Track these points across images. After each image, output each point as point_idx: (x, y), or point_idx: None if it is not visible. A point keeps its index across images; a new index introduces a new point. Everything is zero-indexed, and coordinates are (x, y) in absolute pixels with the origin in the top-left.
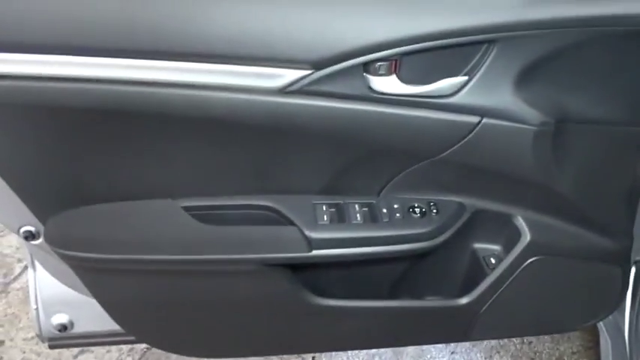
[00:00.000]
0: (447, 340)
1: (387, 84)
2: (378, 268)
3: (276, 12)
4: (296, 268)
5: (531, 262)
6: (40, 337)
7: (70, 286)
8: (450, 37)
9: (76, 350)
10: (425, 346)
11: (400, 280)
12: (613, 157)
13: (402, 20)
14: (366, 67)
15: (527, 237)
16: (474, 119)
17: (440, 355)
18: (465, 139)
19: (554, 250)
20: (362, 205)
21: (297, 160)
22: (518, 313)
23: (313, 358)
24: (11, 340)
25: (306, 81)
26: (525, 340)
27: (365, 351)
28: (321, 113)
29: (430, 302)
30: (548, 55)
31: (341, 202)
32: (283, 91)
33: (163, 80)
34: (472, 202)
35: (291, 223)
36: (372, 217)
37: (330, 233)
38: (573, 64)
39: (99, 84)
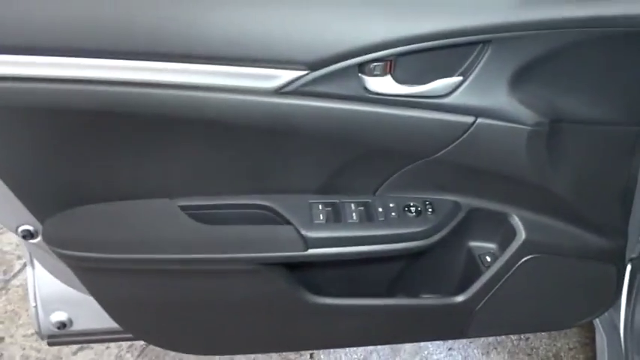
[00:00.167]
0: (443, 337)
1: (382, 84)
2: (374, 266)
3: (272, 13)
4: (293, 266)
5: (526, 261)
6: (39, 334)
7: (68, 284)
8: (444, 38)
9: (75, 347)
10: (422, 343)
11: (396, 279)
12: (607, 156)
13: (397, 21)
14: (362, 67)
15: (522, 235)
16: (469, 119)
17: (437, 352)
18: (460, 139)
19: (549, 248)
20: (358, 205)
21: (294, 160)
22: (514, 311)
23: (311, 355)
24: (11, 336)
25: (301, 82)
26: (522, 337)
27: (363, 347)
28: (317, 113)
29: (426, 300)
30: (542, 56)
31: (337, 201)
32: (279, 91)
33: (160, 81)
34: (467, 201)
35: (288, 223)
36: (368, 216)
37: (326, 232)
38: (567, 64)
39: (96, 85)
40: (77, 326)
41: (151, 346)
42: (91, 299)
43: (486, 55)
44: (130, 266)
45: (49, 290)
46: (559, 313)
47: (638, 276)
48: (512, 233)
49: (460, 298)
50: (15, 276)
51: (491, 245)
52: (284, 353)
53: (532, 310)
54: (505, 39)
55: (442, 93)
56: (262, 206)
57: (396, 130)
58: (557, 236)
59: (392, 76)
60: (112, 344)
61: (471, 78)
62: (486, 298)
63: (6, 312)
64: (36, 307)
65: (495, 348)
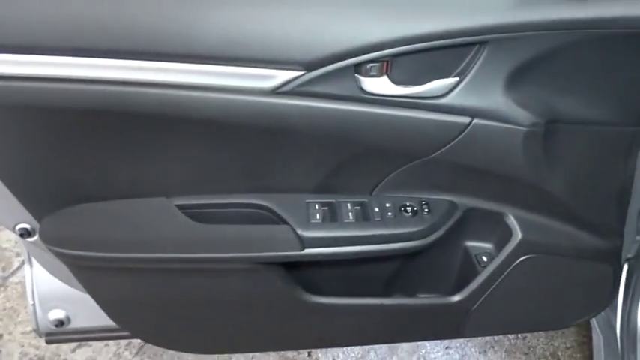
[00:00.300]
0: (440, 337)
1: (379, 85)
2: (371, 265)
3: (268, 14)
4: (290, 265)
5: (523, 261)
6: (38, 332)
7: (66, 282)
8: (441, 39)
9: (74, 344)
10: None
11: (393, 278)
12: (603, 157)
13: (393, 22)
14: (358, 68)
15: (518, 235)
16: (465, 120)
17: (434, 350)
18: (456, 140)
19: (546, 248)
20: (354, 204)
21: (290, 160)
22: (510, 311)
23: (309, 353)
24: (10, 333)
25: (297, 82)
26: (519, 336)
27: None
28: (313, 114)
29: (423, 300)
30: (538, 57)
31: (333, 200)
32: (275, 91)
33: (156, 81)
34: (464, 201)
35: (284, 222)
36: (364, 216)
37: (322, 232)
38: (563, 65)
39: (94, 84)
40: (75, 324)
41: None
42: (88, 297)
43: (483, 56)
44: (127, 265)
45: (47, 288)
46: (555, 312)
47: (635, 276)
48: (508, 233)
49: (456, 298)
50: (14, 273)
51: (488, 245)
52: (282, 352)
53: (528, 310)
54: (501, 40)
55: (438, 94)
56: (259, 205)
57: (393, 130)
58: (553, 236)
59: (388, 77)
60: (111, 342)
61: (467, 79)
62: (483, 298)
63: (5, 309)
64: (34, 304)
65: (492, 347)
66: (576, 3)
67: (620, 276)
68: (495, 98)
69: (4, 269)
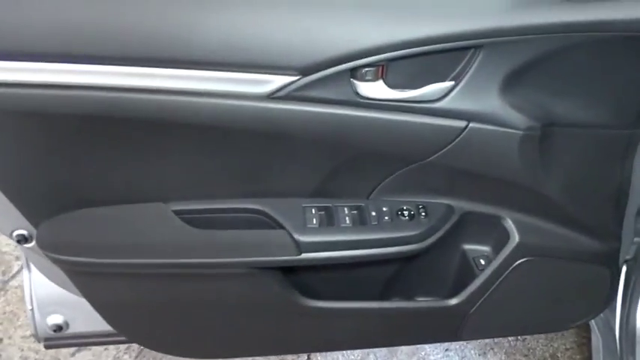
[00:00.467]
0: (438, 340)
1: (374, 89)
2: (369, 269)
3: (264, 19)
4: (287, 270)
5: (520, 264)
6: (36, 337)
7: (64, 288)
8: (436, 43)
9: (73, 348)
10: None
11: (391, 281)
12: (599, 159)
13: (388, 26)
14: (353, 72)
15: (515, 239)
16: (461, 124)
17: (434, 352)
18: (453, 144)
19: (543, 251)
20: (351, 208)
21: (287, 164)
22: (508, 314)
23: (308, 357)
24: (9, 337)
25: (293, 87)
26: (519, 337)
27: None
28: (309, 118)
29: (420, 303)
30: (533, 60)
31: (330, 205)
32: (271, 96)
33: (153, 87)
34: (461, 205)
35: (281, 227)
36: (361, 220)
37: (319, 236)
38: (559, 68)
39: (90, 91)
40: (73, 329)
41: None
42: (87, 302)
43: (478, 60)
44: (124, 270)
45: (45, 293)
46: (553, 315)
47: (634, 277)
48: (505, 236)
49: (454, 301)
50: (13, 277)
51: (485, 248)
52: (281, 356)
53: (526, 313)
54: (497, 44)
55: (434, 98)
56: (256, 210)
57: (389, 134)
58: (550, 239)
59: (384, 81)
60: (110, 346)
61: (462, 83)
62: (481, 301)
63: (4, 313)
64: (32, 309)
65: (492, 349)
66: (571, 6)
67: (618, 278)
68: (491, 102)
69: (3, 273)
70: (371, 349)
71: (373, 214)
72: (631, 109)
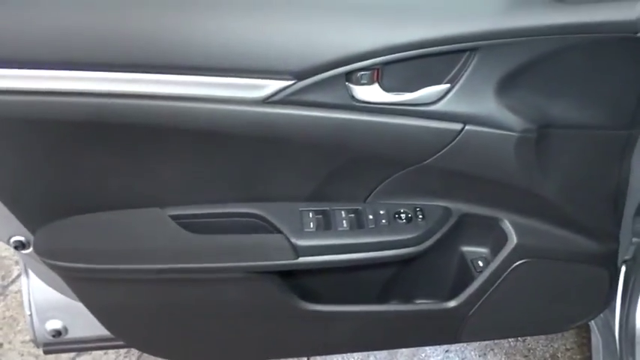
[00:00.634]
0: (437, 342)
1: (370, 93)
2: (367, 272)
3: (258, 24)
4: (285, 274)
5: (518, 265)
6: (35, 342)
7: (62, 293)
8: (431, 46)
9: (73, 353)
10: None
11: (389, 284)
12: (596, 161)
13: (383, 30)
14: (349, 76)
15: (513, 240)
16: (457, 126)
17: (434, 354)
18: (449, 146)
19: (541, 253)
20: (348, 212)
21: (283, 169)
22: (507, 315)
23: (308, 359)
24: (9, 342)
25: (288, 91)
26: (519, 338)
27: None
28: (305, 122)
29: (419, 306)
30: (529, 62)
31: (327, 208)
32: (266, 101)
33: (149, 93)
34: (458, 207)
35: (278, 231)
36: (359, 224)
37: (316, 240)
38: (554, 70)
39: (86, 97)
40: (72, 334)
41: None
42: (85, 307)
43: (473, 63)
44: (122, 276)
45: (44, 299)
46: (552, 316)
47: (633, 278)
48: (503, 238)
49: (453, 303)
50: (13, 282)
51: (484, 250)
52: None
53: (525, 314)
54: (492, 46)
55: (430, 100)
56: (253, 214)
57: (385, 137)
58: (548, 240)
59: (379, 85)
60: (110, 350)
61: (458, 85)
62: (479, 303)
63: (4, 318)
64: (31, 315)
65: (492, 349)
66: (565, 8)
67: (617, 279)
68: (487, 104)
69: (3, 278)
70: (370, 352)
71: (370, 217)
72: (626, 109)
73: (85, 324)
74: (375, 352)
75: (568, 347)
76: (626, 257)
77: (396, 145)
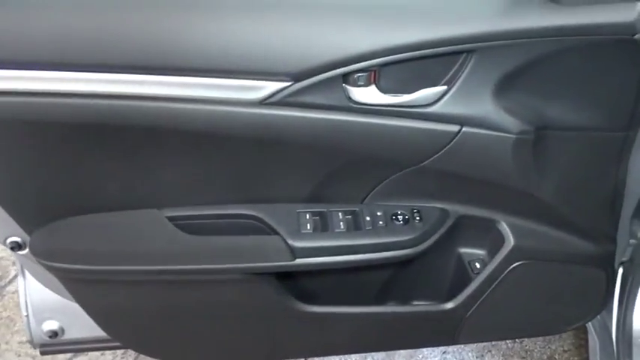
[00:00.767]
0: (434, 344)
1: (367, 94)
2: (365, 274)
3: (256, 26)
4: (282, 275)
5: (516, 267)
6: (32, 343)
7: (59, 294)
8: (428, 48)
9: (69, 354)
10: None
11: (387, 286)
12: (593, 162)
13: (380, 31)
14: (346, 78)
15: (510, 242)
16: (454, 128)
17: (432, 355)
18: (446, 148)
19: (539, 254)
20: (345, 213)
21: (280, 170)
22: (505, 317)
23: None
24: (7, 343)
25: (285, 92)
26: (517, 339)
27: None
28: (302, 124)
29: (417, 307)
30: (525, 64)
31: (324, 210)
32: (264, 102)
33: (146, 94)
34: (455, 209)
35: (275, 232)
36: (356, 225)
37: (314, 242)
38: (551, 72)
39: (83, 98)
40: (69, 335)
41: None
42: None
43: (470, 65)
44: (118, 277)
45: (41, 299)
46: (549, 318)
47: (630, 279)
48: (500, 240)
49: (450, 305)
50: (10, 282)
51: (481, 252)
52: None
53: (522, 316)
54: (488, 48)
55: (427, 102)
56: (250, 216)
57: (382, 139)
58: (546, 242)
59: (376, 86)
60: (107, 351)
61: (455, 87)
62: (477, 305)
63: (1, 318)
64: (27, 316)
65: (490, 351)
66: (561, 10)
67: (614, 280)
68: (484, 106)
69: (0, 278)
70: (368, 354)
71: (368, 218)
72: (624, 111)
73: (82, 325)
74: (373, 354)
75: (565, 349)
76: (624, 259)
77: (393, 146)
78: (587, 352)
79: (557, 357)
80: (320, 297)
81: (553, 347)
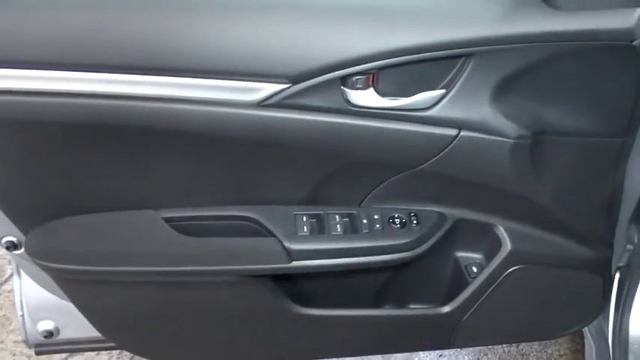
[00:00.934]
0: (430, 347)
1: (365, 97)
2: (361, 277)
3: (254, 27)
4: (279, 278)
5: (512, 271)
6: (27, 343)
7: (54, 294)
8: (426, 52)
9: (65, 354)
10: None
11: (383, 289)
12: (591, 168)
13: (379, 34)
14: (344, 80)
15: (507, 246)
16: (452, 132)
17: (428, 358)
18: (444, 152)
19: (535, 259)
20: (342, 216)
21: (278, 172)
22: (501, 321)
23: None
24: (2, 342)
25: (283, 94)
26: (513, 343)
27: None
28: (300, 126)
29: (413, 311)
30: (524, 69)
31: (321, 212)
32: (261, 104)
33: (143, 94)
34: (453, 212)
35: (272, 234)
36: (353, 228)
37: (310, 244)
38: (549, 77)
39: (80, 98)
40: (64, 335)
41: None
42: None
43: (468, 69)
44: (114, 278)
45: (36, 299)
46: (546, 323)
47: (626, 284)
48: (497, 244)
49: (447, 309)
50: (6, 281)
51: (478, 256)
52: None
53: (519, 320)
54: (487, 52)
55: (425, 106)
56: (246, 218)
57: (380, 142)
58: (543, 247)
59: (374, 89)
60: (102, 352)
61: (453, 91)
62: (473, 309)
63: None
64: (23, 316)
65: (486, 354)
66: (560, 15)
67: (610, 285)
68: (482, 110)
69: None
70: (364, 357)
71: (365, 221)
72: (622, 117)
73: (77, 325)
74: (369, 357)
75: (562, 353)
76: (620, 264)
77: (390, 149)
78: (583, 357)
79: None
80: (316, 300)
81: (549, 351)
